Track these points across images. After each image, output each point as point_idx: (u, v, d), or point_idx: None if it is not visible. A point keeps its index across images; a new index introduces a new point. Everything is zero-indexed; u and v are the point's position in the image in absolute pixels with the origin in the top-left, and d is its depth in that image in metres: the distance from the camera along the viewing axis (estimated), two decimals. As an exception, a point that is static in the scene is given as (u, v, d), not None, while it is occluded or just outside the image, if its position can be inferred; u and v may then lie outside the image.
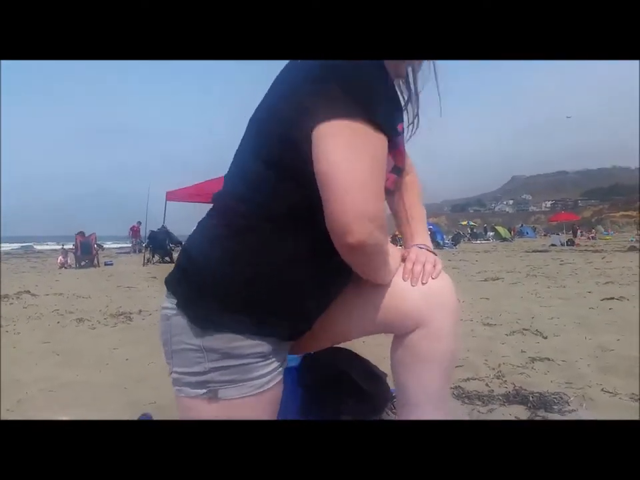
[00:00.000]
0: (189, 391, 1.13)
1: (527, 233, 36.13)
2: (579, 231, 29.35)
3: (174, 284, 1.16)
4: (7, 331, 3.91)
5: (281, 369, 1.17)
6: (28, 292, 6.42)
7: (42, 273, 11.10)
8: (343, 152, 0.95)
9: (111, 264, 13.72)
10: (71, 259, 13.28)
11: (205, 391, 1.12)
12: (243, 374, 1.12)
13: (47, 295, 6.38)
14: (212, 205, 1.19)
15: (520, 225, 46.76)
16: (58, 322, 4.35)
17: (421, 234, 1.34)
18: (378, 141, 0.98)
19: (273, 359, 1.14)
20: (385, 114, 1.00)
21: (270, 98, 1.11)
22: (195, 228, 1.22)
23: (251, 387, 1.12)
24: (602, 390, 2.18)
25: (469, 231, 33.69)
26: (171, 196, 11.98)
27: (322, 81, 0.97)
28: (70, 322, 4.30)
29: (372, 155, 0.97)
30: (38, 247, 28.78)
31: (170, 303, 1.15)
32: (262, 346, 1.11)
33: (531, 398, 2.06)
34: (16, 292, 6.37)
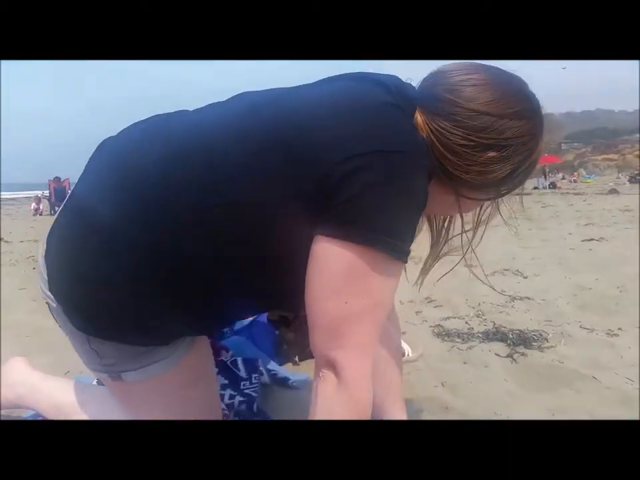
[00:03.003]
0: (94, 372, 1.07)
1: (509, 177, 36.20)
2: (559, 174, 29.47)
3: (53, 280, 0.97)
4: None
5: (186, 347, 1.06)
6: (2, 239, 6.29)
7: (16, 219, 10.91)
8: (343, 291, 0.80)
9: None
10: (44, 206, 13.03)
11: (105, 375, 1.04)
12: (141, 361, 1.01)
13: (22, 241, 6.25)
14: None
15: (502, 169, 46.81)
16: (33, 268, 4.25)
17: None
18: (390, 282, 0.83)
19: (174, 346, 1.02)
20: (408, 249, 0.84)
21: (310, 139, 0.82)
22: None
23: (155, 368, 1.03)
24: (580, 327, 2.21)
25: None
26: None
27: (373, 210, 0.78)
28: (46, 268, 4.22)
29: (374, 302, 0.83)
30: (7, 195, 28.03)
31: (49, 291, 0.98)
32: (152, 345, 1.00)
33: (510, 335, 2.07)
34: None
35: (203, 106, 0.96)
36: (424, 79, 0.91)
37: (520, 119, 0.85)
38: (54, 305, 0.99)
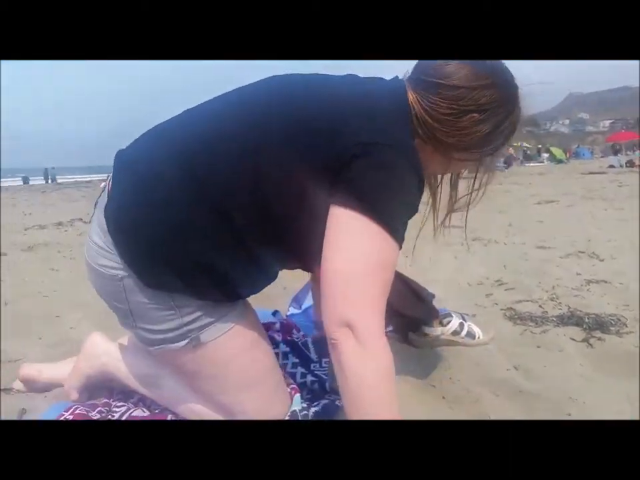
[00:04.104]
0: (169, 347, 1.11)
1: (584, 155, 34.50)
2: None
3: (122, 250, 1.05)
4: (64, 257, 4.07)
5: (242, 309, 1.17)
6: (80, 219, 6.63)
7: (92, 200, 11.41)
8: (352, 250, 0.94)
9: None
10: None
11: (186, 341, 1.09)
12: (217, 312, 1.10)
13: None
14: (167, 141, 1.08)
15: (576, 146, 44.59)
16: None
17: None
18: (391, 249, 0.96)
19: (234, 304, 1.14)
20: (404, 225, 0.99)
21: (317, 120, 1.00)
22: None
23: (229, 319, 1.11)
24: (663, 313, 2.09)
25: (522, 153, 32.37)
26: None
27: (370, 169, 0.95)
28: (122, 247, 4.43)
29: (379, 262, 0.95)
30: (82, 178, 29.55)
31: (113, 262, 1.06)
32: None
33: (586, 319, 2.00)
34: (69, 219, 6.60)
35: (234, 88, 1.11)
36: (414, 66, 1.07)
37: (492, 88, 1.02)
38: (125, 274, 1.05)
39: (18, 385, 1.54)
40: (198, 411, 1.22)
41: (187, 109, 1.11)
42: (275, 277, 1.22)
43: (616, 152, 27.15)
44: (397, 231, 0.96)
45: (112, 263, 1.07)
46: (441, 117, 1.02)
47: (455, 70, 1.00)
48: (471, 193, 1.17)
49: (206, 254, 1.03)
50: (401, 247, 0.98)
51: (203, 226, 1.01)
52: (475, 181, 1.16)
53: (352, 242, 0.94)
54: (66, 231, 5.78)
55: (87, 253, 1.13)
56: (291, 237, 1.05)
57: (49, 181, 25.95)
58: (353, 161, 0.94)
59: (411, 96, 1.04)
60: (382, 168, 0.95)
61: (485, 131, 1.05)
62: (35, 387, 1.48)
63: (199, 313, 1.08)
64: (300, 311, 1.99)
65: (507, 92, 1.06)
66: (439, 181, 1.24)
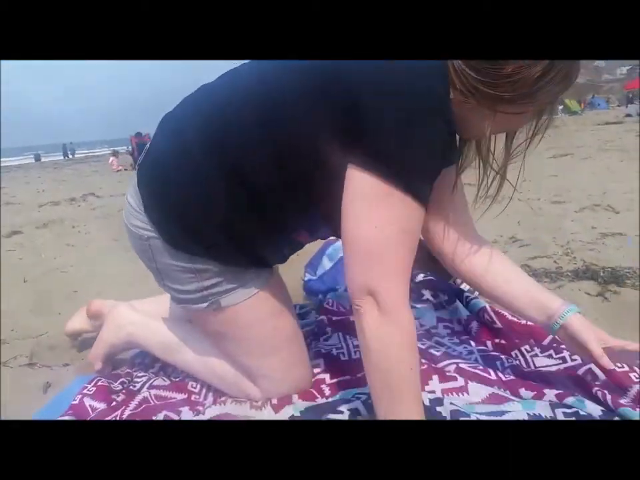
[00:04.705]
0: (191, 307, 1.15)
1: (599, 105, 33.61)
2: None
3: (149, 209, 1.08)
4: (78, 232, 4.12)
5: (266, 276, 1.18)
6: (93, 194, 6.68)
7: (104, 175, 11.50)
8: (373, 217, 0.87)
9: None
10: (123, 162, 13.50)
11: (207, 304, 1.12)
12: (239, 279, 1.12)
13: (112, 195, 6.61)
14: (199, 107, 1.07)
15: (591, 96, 43.42)
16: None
17: (554, 300, 1.10)
18: (414, 213, 0.89)
19: (258, 271, 1.15)
20: (428, 187, 0.90)
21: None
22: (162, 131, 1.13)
23: (251, 286, 1.13)
24: (680, 263, 2.06)
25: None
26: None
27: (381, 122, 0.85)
28: (136, 220, 4.46)
29: (402, 228, 0.88)
30: (92, 153, 29.67)
31: (142, 222, 1.10)
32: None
33: (601, 273, 1.98)
34: (82, 195, 6.65)
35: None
36: None
37: None
38: (152, 234, 1.09)
39: (78, 323, 1.60)
40: (220, 373, 1.25)
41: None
42: (300, 245, 1.22)
43: (629, 101, 26.41)
44: (421, 194, 0.88)
45: (141, 223, 1.10)
46: (479, 65, 0.89)
47: None
48: (530, 139, 1.02)
49: (226, 217, 1.03)
50: (426, 207, 0.90)
51: (223, 189, 1.01)
52: (534, 128, 1.00)
53: (372, 209, 0.87)
54: (79, 206, 5.84)
55: (124, 214, 1.17)
56: (311, 197, 1.02)
57: (69, 156, 26.23)
58: (370, 113, 0.85)
59: None
60: (402, 121, 0.84)
61: (534, 75, 0.88)
62: (98, 322, 1.54)
63: (218, 279, 1.10)
64: (315, 278, 2.00)
65: None
66: (489, 144, 1.09)
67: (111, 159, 13.50)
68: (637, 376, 1.08)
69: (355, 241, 0.89)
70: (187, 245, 1.07)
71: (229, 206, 1.02)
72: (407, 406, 0.90)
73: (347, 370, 1.28)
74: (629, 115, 17.49)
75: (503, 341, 1.38)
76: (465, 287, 1.65)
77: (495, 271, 1.15)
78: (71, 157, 26.19)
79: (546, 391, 1.08)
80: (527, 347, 1.33)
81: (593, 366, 1.13)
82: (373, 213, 0.87)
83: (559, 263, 2.21)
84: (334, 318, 1.53)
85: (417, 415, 0.90)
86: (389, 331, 0.88)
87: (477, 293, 1.58)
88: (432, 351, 1.33)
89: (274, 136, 0.96)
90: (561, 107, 29.76)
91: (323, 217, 1.07)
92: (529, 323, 1.39)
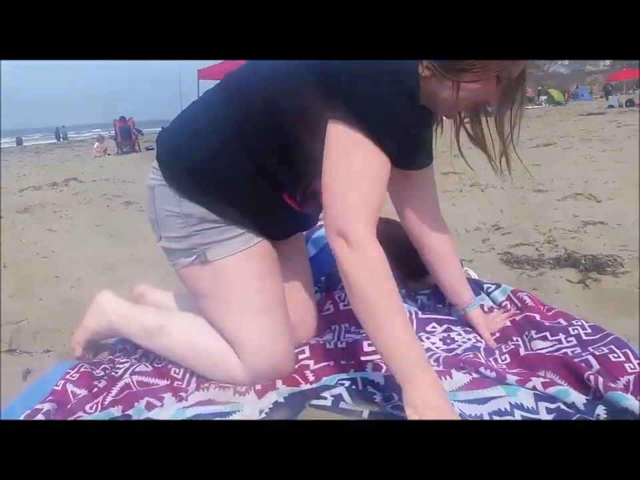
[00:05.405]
0: (181, 261, 1.22)
1: (582, 95, 33.88)
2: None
3: (162, 155, 1.23)
4: (60, 217, 4.07)
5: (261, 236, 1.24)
6: (75, 179, 6.59)
7: (86, 160, 11.33)
8: (344, 163, 0.97)
9: (153, 148, 13.81)
10: (108, 147, 13.33)
11: (194, 257, 1.19)
12: (224, 233, 1.19)
13: (94, 180, 6.54)
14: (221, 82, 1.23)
15: (575, 87, 43.68)
16: (107, 205, 4.49)
17: (468, 293, 1.42)
18: (380, 160, 0.98)
19: (250, 222, 1.21)
20: (393, 139, 0.99)
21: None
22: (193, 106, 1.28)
23: (237, 242, 1.19)
24: (659, 251, 2.10)
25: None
26: (203, 74, 11.61)
27: (355, 82, 0.97)
28: (119, 205, 4.42)
29: (370, 175, 0.98)
30: (75, 137, 29.35)
31: (154, 174, 1.24)
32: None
33: (583, 261, 2.01)
34: (64, 179, 6.56)
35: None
36: None
37: None
38: (157, 182, 1.22)
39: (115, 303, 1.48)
40: (204, 352, 1.25)
41: None
42: (293, 219, 1.29)
43: (608, 92, 26.68)
44: (386, 143, 0.97)
45: (153, 175, 1.24)
46: None
47: None
48: (511, 133, 1.14)
49: (225, 165, 1.16)
50: (393, 162, 1.00)
51: (226, 140, 1.14)
52: (510, 118, 1.12)
53: (343, 156, 0.98)
54: (61, 190, 5.75)
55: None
56: (299, 158, 1.12)
57: (61, 140, 26.06)
58: (344, 79, 0.98)
59: None
60: (371, 83, 0.96)
61: None
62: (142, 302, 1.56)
63: (205, 226, 1.17)
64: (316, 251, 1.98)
65: None
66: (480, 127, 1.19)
67: (96, 144, 13.28)
68: (632, 367, 1.10)
69: (328, 187, 0.99)
70: (183, 184, 1.18)
71: (229, 154, 1.15)
72: (393, 330, 0.95)
73: (332, 356, 1.28)
74: (611, 106, 17.68)
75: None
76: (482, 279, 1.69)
77: (440, 252, 1.40)
78: (63, 140, 26.02)
79: (532, 378, 1.10)
80: (526, 331, 1.35)
81: (590, 357, 1.15)
82: (344, 158, 0.98)
83: (541, 251, 2.24)
84: (324, 312, 1.53)
85: (404, 340, 0.95)
86: (359, 264, 0.96)
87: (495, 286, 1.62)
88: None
89: (272, 104, 1.09)
90: (545, 97, 29.96)
91: (308, 175, 1.16)
92: (555, 310, 1.45)
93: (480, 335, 1.37)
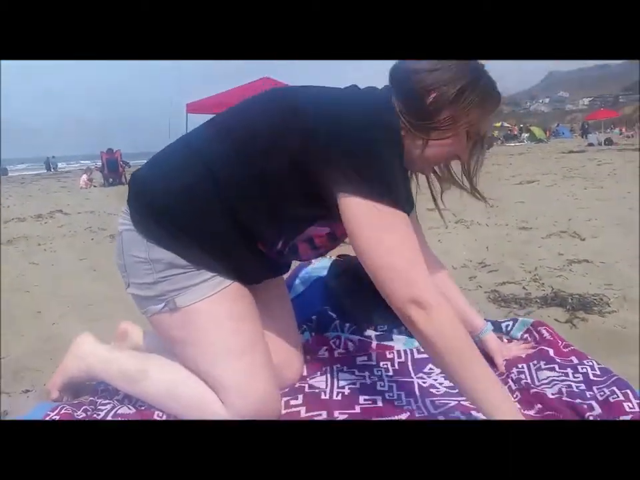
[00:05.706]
0: (151, 308, 1.20)
1: (563, 133, 34.81)
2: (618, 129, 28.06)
3: (132, 198, 1.22)
4: (44, 249, 4.01)
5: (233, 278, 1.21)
6: (60, 211, 6.54)
7: (72, 191, 11.27)
8: (385, 241, 1.01)
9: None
10: (94, 178, 13.26)
11: (163, 304, 1.17)
12: (193, 279, 1.16)
13: (79, 213, 6.49)
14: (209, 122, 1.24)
15: (556, 125, 44.87)
16: (92, 239, 4.44)
17: (478, 319, 1.46)
18: (405, 220, 1.03)
19: (221, 267, 1.18)
20: (402, 194, 1.05)
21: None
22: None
23: (206, 287, 1.17)
24: (644, 291, 2.12)
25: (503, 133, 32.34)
26: (192, 108, 11.70)
27: (344, 148, 1.02)
28: (103, 238, 4.37)
29: (402, 236, 1.03)
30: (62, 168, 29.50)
31: (123, 219, 1.23)
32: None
33: (570, 300, 2.03)
34: (49, 211, 6.50)
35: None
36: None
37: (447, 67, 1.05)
38: (125, 227, 1.20)
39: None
40: (184, 398, 1.21)
41: None
42: (270, 268, 1.30)
43: (585, 131, 27.47)
44: (404, 207, 1.03)
45: (122, 219, 1.23)
46: (407, 101, 1.09)
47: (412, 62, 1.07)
48: (471, 176, 1.22)
49: (194, 215, 1.15)
50: (407, 212, 1.04)
51: (196, 186, 1.14)
52: (469, 165, 1.20)
53: (378, 233, 1.02)
54: (46, 222, 5.69)
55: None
56: (278, 209, 1.13)
57: (51, 170, 26.20)
58: (331, 154, 1.03)
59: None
60: (360, 151, 1.01)
61: (449, 97, 1.06)
62: (124, 343, 1.53)
63: (173, 271, 1.15)
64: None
65: (465, 65, 1.08)
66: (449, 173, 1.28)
67: (83, 175, 13.21)
68: (631, 406, 1.09)
69: (379, 266, 1.02)
70: (149, 229, 1.16)
71: (201, 200, 1.14)
72: (478, 363, 1.01)
73: (325, 407, 1.25)
74: (590, 144, 18.13)
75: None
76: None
77: (442, 287, 1.33)
78: (53, 170, 26.21)
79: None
80: (535, 360, 1.37)
81: (593, 402, 1.15)
82: (380, 235, 1.02)
83: (528, 289, 2.25)
84: (318, 355, 1.50)
85: (486, 367, 1.02)
86: (441, 323, 1.00)
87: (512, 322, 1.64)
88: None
89: (250, 162, 1.11)
90: (527, 135, 30.66)
91: (290, 232, 1.18)
92: (571, 347, 1.44)
93: (493, 361, 1.38)
